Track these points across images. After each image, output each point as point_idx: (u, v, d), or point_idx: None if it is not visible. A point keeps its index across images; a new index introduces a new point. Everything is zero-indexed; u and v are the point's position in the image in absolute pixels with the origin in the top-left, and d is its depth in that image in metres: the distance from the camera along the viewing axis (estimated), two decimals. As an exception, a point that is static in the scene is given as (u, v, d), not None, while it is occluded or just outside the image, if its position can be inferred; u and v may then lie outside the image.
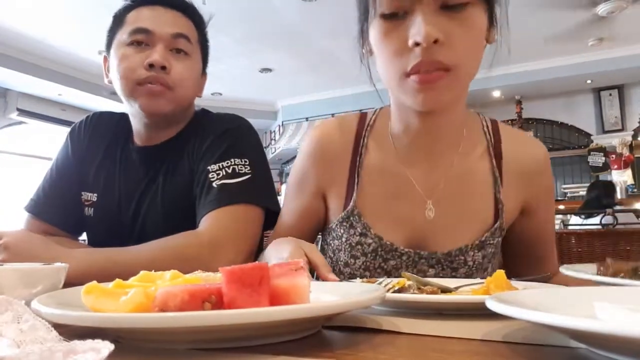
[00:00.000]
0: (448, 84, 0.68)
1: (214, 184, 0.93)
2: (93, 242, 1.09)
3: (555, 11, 4.69)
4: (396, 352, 0.37)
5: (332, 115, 7.12)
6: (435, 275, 0.77)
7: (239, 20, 4.96)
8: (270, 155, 8.13)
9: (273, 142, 7.93)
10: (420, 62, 0.65)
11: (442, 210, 0.79)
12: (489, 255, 0.80)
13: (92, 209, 1.07)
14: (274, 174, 8.57)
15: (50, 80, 5.71)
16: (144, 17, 1.00)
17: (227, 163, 0.95)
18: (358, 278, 0.75)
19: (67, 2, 4.38)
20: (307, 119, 7.45)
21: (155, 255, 0.82)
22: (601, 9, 4.54)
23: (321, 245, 0.95)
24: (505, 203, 0.80)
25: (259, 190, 0.95)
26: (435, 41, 0.64)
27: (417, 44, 0.64)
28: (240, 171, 0.94)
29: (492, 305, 0.36)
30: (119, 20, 1.03)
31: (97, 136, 1.12)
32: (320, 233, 0.95)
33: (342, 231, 0.84)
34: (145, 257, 0.82)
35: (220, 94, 7.22)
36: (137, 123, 1.07)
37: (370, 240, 0.80)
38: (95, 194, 1.07)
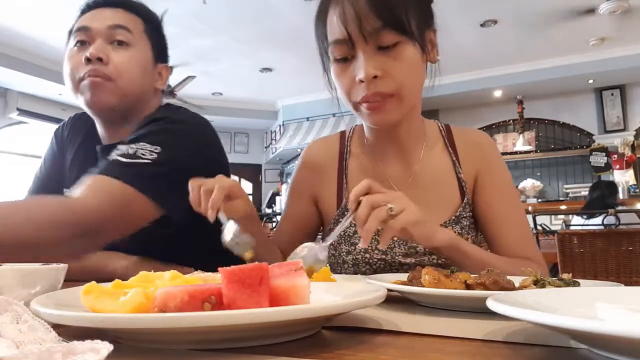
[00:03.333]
0: (394, 106, 0.84)
1: (107, 158, 0.88)
2: None
3: (556, 10, 4.68)
4: (397, 352, 0.36)
5: (333, 115, 7.12)
6: (424, 249, 0.91)
7: (239, 20, 4.96)
8: (270, 155, 8.12)
9: (274, 142, 7.93)
10: (365, 95, 0.83)
11: (413, 201, 0.92)
12: (466, 227, 0.94)
13: None
14: (274, 174, 8.57)
15: (51, 80, 5.71)
16: (85, 19, 1.03)
17: (135, 146, 0.88)
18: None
19: (67, 1, 4.39)
20: (307, 118, 7.44)
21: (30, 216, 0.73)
22: (602, 9, 4.53)
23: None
24: (466, 181, 0.96)
25: (148, 177, 0.85)
26: (375, 77, 0.81)
27: (361, 81, 0.81)
28: (142, 155, 0.87)
29: (493, 305, 0.36)
30: (70, 32, 1.05)
31: (73, 135, 1.14)
32: (321, 237, 1.04)
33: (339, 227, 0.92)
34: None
35: (221, 94, 7.22)
36: (96, 122, 1.08)
37: None
38: (69, 191, 1.08)
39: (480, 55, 5.75)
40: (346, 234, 0.94)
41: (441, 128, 1.03)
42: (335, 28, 0.83)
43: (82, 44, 1.00)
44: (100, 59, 0.97)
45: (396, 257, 0.91)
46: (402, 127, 0.94)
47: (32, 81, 5.73)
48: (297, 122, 7.55)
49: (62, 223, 0.74)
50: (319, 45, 0.91)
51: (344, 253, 0.94)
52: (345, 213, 0.95)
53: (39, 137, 6.37)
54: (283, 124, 7.68)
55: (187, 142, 0.95)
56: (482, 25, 4.96)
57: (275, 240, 1.05)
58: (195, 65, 6.01)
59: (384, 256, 0.91)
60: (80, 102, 1.01)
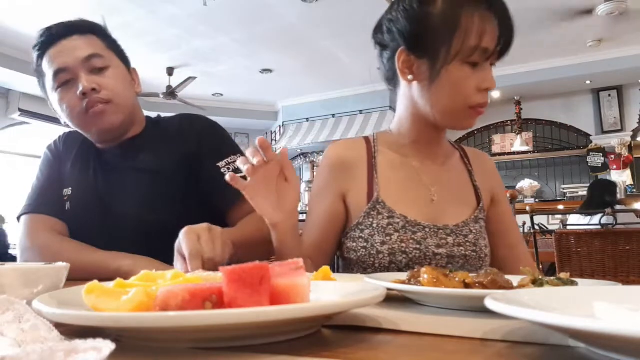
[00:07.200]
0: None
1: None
2: (73, 237, 1.12)
3: (554, 12, 4.69)
4: (396, 351, 0.37)
5: (333, 116, 7.13)
6: (454, 241, 0.98)
7: (239, 21, 4.96)
8: (270, 155, 8.12)
9: (274, 142, 7.92)
10: (484, 102, 0.93)
11: (442, 195, 1.03)
12: (482, 228, 1.04)
13: (69, 202, 1.13)
14: (274, 174, 8.57)
15: (51, 81, 5.70)
16: (54, 58, 1.07)
17: (231, 159, 1.10)
18: None
19: (69, 2, 4.38)
20: (307, 119, 7.44)
21: (255, 236, 0.98)
22: (600, 10, 4.54)
23: (345, 247, 1.03)
24: (481, 188, 1.08)
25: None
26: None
27: (487, 89, 0.93)
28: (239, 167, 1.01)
29: (492, 304, 0.36)
30: (38, 73, 1.12)
31: (70, 141, 1.22)
32: (343, 238, 1.05)
33: (370, 220, 0.99)
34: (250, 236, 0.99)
35: (221, 95, 7.21)
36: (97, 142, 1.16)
37: (398, 220, 0.98)
38: (71, 188, 1.14)
39: (479, 56, 5.75)
40: (379, 225, 0.97)
41: (451, 143, 1.15)
42: (489, 36, 0.89)
43: (67, 83, 1.06)
44: (94, 90, 1.04)
45: (430, 248, 0.96)
46: (443, 132, 1.06)
47: (34, 82, 5.68)
48: (297, 122, 7.55)
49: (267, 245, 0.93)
50: (445, 38, 0.89)
51: (378, 244, 0.96)
52: (377, 206, 0.99)
53: (41, 138, 6.36)
54: (283, 125, 7.68)
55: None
56: (481, 26, 4.96)
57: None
58: (196, 67, 6.01)
59: (418, 246, 0.96)
60: (90, 134, 1.11)
